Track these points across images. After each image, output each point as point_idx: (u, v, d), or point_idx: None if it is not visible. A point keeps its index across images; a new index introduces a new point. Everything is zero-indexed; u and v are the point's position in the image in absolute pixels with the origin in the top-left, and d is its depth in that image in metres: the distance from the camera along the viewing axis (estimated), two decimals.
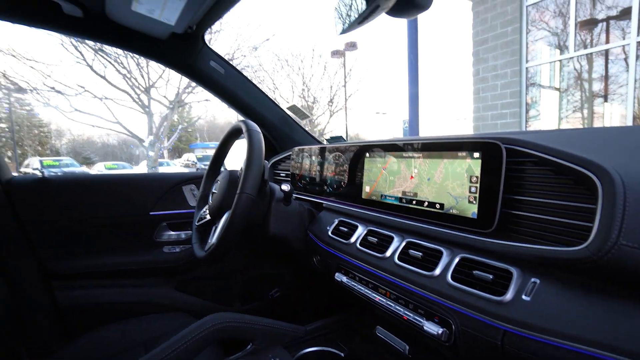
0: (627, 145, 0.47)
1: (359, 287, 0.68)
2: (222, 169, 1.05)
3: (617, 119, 5.30)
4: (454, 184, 0.59)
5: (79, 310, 1.05)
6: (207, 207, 0.93)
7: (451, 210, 0.58)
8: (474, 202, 0.55)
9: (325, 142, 1.28)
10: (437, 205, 0.61)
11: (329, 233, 0.80)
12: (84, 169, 16.64)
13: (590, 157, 0.41)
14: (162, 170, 12.61)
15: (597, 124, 5.57)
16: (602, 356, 0.34)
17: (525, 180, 0.50)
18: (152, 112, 10.03)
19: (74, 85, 8.34)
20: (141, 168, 17.09)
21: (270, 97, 1.25)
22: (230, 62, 1.13)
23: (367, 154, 0.79)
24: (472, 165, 0.56)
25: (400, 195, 0.69)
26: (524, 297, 0.42)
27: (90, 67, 8.07)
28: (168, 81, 9.55)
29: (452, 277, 0.51)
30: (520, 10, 6.25)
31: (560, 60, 5.99)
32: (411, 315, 0.56)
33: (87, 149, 29.23)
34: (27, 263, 0.99)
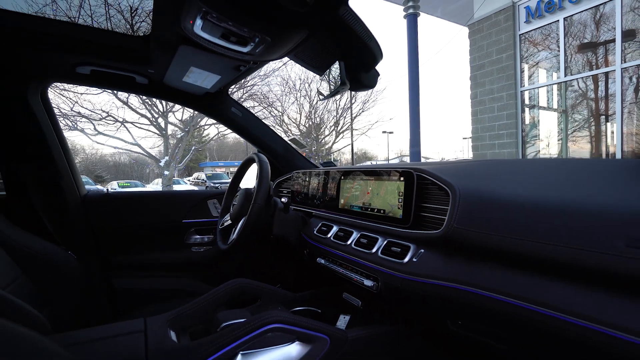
0: (477, 172, 0.80)
1: (332, 265, 1.01)
2: (238, 187, 1.40)
3: (607, 136, 5.57)
4: (390, 197, 0.92)
5: (128, 293, 1.39)
6: (228, 215, 1.28)
7: (389, 214, 0.91)
8: (401, 208, 0.87)
9: (320, 166, 1.63)
10: (382, 211, 0.93)
11: (315, 232, 1.13)
12: (98, 187, 17.27)
13: (449, 179, 0.74)
14: (175, 187, 13.17)
15: (586, 140, 5.84)
16: (450, 285, 0.66)
17: (427, 194, 0.83)
18: (168, 134, 10.70)
19: (98, 110, 9.05)
20: (152, 186, 17.69)
21: (276, 132, 1.61)
22: (246, 108, 1.51)
23: (343, 177, 1.13)
24: (399, 185, 0.89)
25: (361, 205, 1.02)
26: (414, 259, 0.75)
27: (115, 94, 8.79)
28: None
29: (381, 252, 0.83)
30: (514, 39, 6.62)
31: (552, 84, 6.32)
32: (358, 277, 0.88)
33: (100, 167, 29.99)
34: (95, 256, 1.34)
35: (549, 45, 6.18)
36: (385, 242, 0.85)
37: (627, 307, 0.45)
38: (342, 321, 0.97)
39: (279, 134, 1.63)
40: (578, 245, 0.50)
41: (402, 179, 0.88)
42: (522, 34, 6.49)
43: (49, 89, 1.23)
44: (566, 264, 0.51)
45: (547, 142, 6.50)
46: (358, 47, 0.81)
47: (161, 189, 10.98)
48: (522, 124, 6.59)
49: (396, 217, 0.88)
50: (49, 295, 1.05)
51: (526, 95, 6.57)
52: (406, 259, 0.76)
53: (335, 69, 0.91)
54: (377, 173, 0.97)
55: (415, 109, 5.50)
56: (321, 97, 0.98)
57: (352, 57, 0.84)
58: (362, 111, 16.37)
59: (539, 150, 6.59)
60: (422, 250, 0.75)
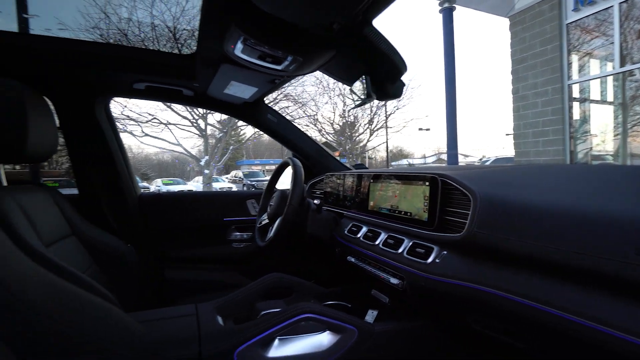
0: (498, 178, 0.83)
1: (361, 264, 1.07)
2: (274, 189, 1.51)
3: None
4: (416, 200, 0.96)
5: (177, 283, 1.55)
6: (265, 214, 1.39)
7: (415, 217, 0.96)
8: (426, 211, 0.92)
9: (352, 168, 1.69)
10: (408, 214, 0.98)
11: (345, 232, 1.20)
12: (144, 184, 18.54)
13: (471, 185, 0.78)
14: (214, 185, 13.86)
15: None
16: (469, 285, 0.70)
17: (451, 198, 0.86)
18: (207, 134, 11.30)
19: (144, 113, 9.78)
20: (193, 183, 18.71)
21: (309, 136, 1.70)
22: (281, 114, 1.61)
23: (372, 180, 1.18)
24: (425, 189, 0.93)
25: (389, 207, 1.07)
26: (437, 260, 0.79)
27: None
28: None
29: (406, 253, 0.88)
30: (559, 29, 6.19)
31: (606, 76, 5.83)
32: (385, 275, 0.94)
33: (145, 165, 32.15)
34: (150, 250, 1.51)
35: (605, 32, 5.70)
36: (410, 243, 0.90)
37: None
38: (371, 315, 1.04)
39: (314, 134, 1.72)
40: (591, 252, 0.52)
41: (427, 183, 0.93)
42: (569, 23, 6.06)
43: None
44: (580, 270, 0.54)
45: (603, 138, 6.01)
46: (383, 61, 0.87)
47: (202, 187, 11.60)
48: (570, 120, 6.15)
49: (422, 220, 0.92)
50: (113, 282, 1.21)
51: (574, 88, 6.12)
52: (429, 260, 0.81)
53: (363, 81, 0.97)
54: (405, 177, 1.02)
55: (452, 111, 5.36)
56: (351, 107, 1.05)
57: (377, 71, 0.90)
58: (397, 109, 16.09)
59: (592, 147, 6.11)
60: (445, 252, 0.80)
